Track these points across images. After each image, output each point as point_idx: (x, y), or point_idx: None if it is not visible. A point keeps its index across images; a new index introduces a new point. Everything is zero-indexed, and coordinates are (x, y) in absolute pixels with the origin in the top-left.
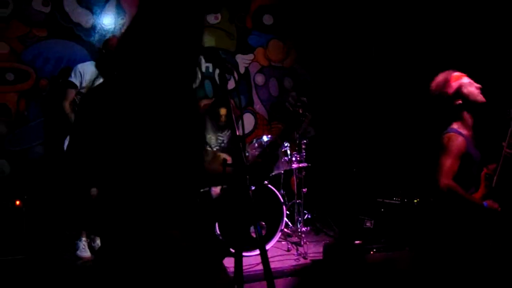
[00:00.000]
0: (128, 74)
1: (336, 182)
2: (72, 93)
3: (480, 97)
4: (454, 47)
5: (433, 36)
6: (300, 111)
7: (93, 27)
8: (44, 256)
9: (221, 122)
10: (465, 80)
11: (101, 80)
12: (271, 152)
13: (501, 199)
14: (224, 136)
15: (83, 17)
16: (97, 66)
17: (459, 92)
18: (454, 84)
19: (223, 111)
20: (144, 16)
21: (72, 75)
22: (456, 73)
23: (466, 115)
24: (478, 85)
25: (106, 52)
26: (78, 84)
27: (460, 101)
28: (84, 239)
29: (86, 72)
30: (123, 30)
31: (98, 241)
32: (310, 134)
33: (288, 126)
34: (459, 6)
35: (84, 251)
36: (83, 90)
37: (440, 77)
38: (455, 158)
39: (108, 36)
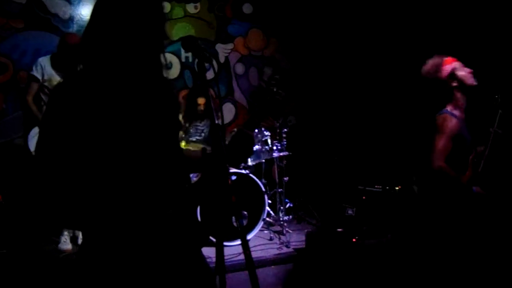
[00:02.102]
0: (94, 68)
1: (318, 170)
2: (34, 87)
3: (472, 80)
4: (439, 33)
5: (417, 20)
6: (274, 90)
7: (71, 18)
8: (26, 250)
9: (199, 111)
10: (457, 63)
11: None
12: (248, 131)
13: (487, 183)
14: (203, 126)
15: (60, 8)
16: (53, 62)
17: (453, 74)
18: (448, 67)
19: (200, 100)
20: (103, 10)
21: (34, 68)
22: (448, 58)
23: (459, 97)
24: (469, 69)
25: (64, 48)
26: (40, 77)
27: (456, 83)
28: (66, 232)
29: (46, 67)
30: (87, 24)
31: (80, 234)
32: (291, 122)
33: (263, 104)
34: None
35: (66, 244)
36: (46, 83)
37: (431, 63)
38: (448, 139)
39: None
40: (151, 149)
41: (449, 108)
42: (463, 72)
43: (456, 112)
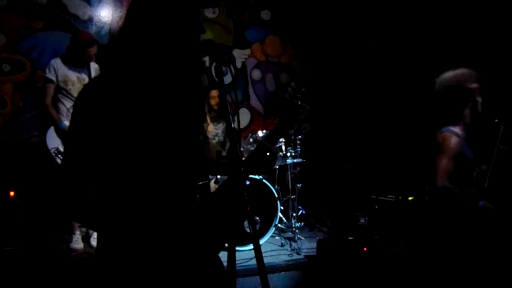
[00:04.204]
0: (126, 69)
1: (331, 178)
2: (51, 88)
3: (481, 109)
4: (451, 44)
5: (430, 33)
6: (299, 103)
7: (90, 19)
8: (37, 248)
9: (213, 107)
10: (479, 88)
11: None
12: (269, 145)
13: (494, 198)
14: (218, 129)
15: (80, 9)
16: (64, 60)
17: (475, 93)
18: (476, 85)
19: (214, 93)
20: (140, 9)
21: (47, 71)
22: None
23: (467, 114)
24: (481, 100)
25: (76, 44)
26: (54, 79)
27: (472, 99)
28: (78, 231)
29: (58, 68)
30: (119, 25)
31: (93, 234)
32: (305, 129)
33: (287, 118)
34: (455, 3)
35: (77, 243)
36: (61, 84)
37: (463, 70)
38: (450, 158)
39: (105, 28)
40: (174, 153)
41: (450, 125)
42: (479, 98)
43: (458, 130)
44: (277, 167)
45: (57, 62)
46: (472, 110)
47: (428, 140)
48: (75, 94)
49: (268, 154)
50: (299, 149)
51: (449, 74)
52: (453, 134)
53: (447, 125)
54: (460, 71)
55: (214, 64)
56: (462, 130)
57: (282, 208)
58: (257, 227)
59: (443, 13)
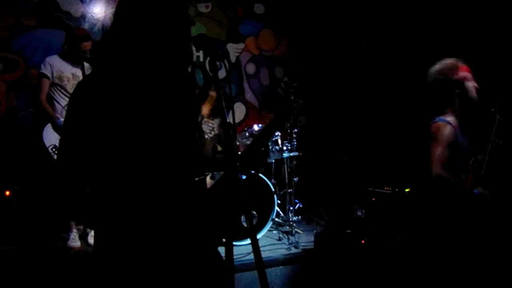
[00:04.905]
0: (119, 65)
1: (327, 171)
2: (46, 84)
3: (475, 96)
4: (444, 39)
5: (424, 27)
6: (292, 97)
7: (83, 16)
8: (34, 247)
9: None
10: (470, 75)
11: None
12: (264, 141)
13: (490, 186)
14: (214, 124)
15: (72, 6)
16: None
17: (462, 82)
18: (461, 74)
19: (213, 93)
20: (128, 5)
21: (42, 67)
22: (465, 65)
23: (458, 104)
24: (476, 85)
25: (74, 40)
26: (49, 75)
27: (459, 90)
28: (75, 230)
29: (54, 64)
30: (110, 21)
31: (91, 232)
32: (301, 123)
33: (280, 113)
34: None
35: (75, 241)
36: (56, 81)
37: (448, 61)
38: (444, 147)
39: (98, 25)
40: (170, 149)
41: (443, 115)
42: (471, 84)
43: (451, 119)
44: (273, 161)
45: (52, 59)
46: (461, 100)
47: (421, 130)
48: (70, 90)
49: (256, 154)
50: (295, 143)
51: (436, 66)
52: (446, 123)
53: (439, 115)
54: (445, 62)
55: (208, 59)
56: (455, 120)
57: (279, 202)
58: (254, 221)
59: (435, 5)
